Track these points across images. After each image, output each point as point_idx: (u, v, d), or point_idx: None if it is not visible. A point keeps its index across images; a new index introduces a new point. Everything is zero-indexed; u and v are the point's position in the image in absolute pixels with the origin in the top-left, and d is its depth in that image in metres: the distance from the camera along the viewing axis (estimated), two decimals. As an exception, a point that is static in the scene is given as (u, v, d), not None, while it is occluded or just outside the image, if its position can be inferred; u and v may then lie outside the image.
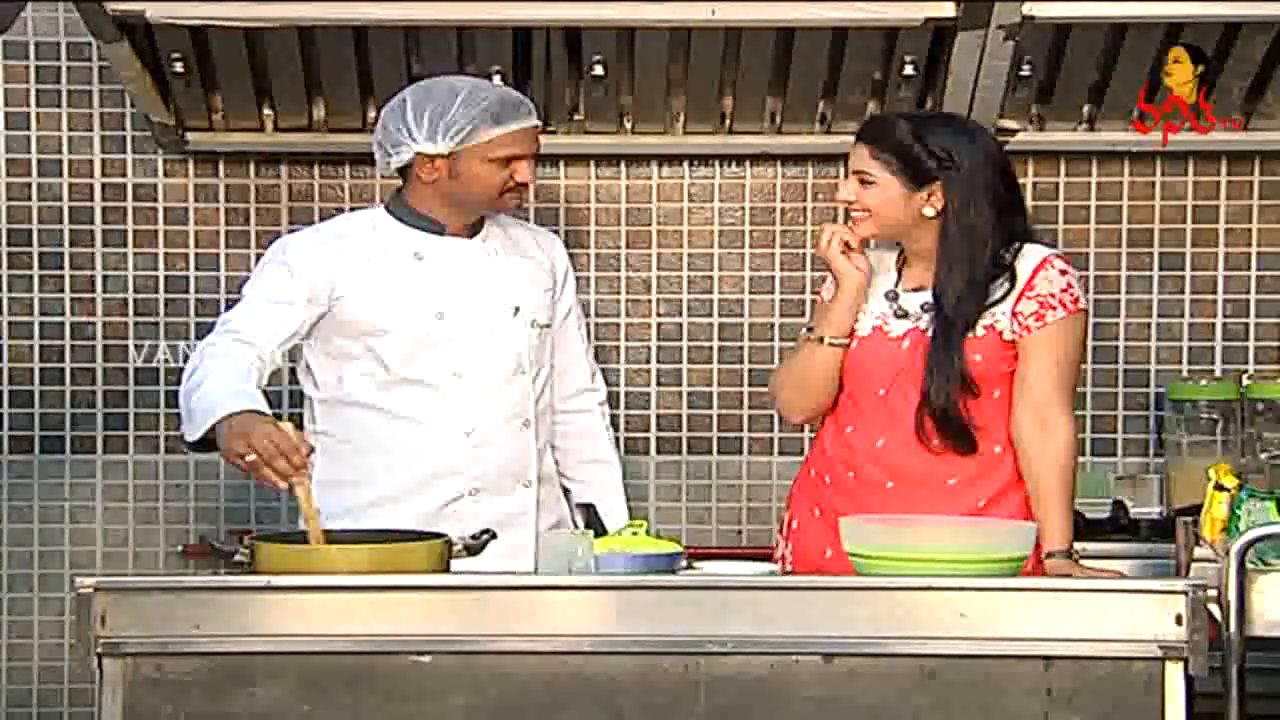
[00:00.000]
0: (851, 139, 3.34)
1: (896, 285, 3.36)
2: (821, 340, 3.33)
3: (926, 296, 3.29)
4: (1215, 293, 4.49)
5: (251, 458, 3.00)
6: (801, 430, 4.23)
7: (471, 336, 3.46)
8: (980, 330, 3.24)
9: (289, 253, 3.47)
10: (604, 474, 3.70)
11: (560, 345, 3.64)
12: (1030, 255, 3.27)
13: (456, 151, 3.39)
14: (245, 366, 3.28)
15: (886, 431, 3.29)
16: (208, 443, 3.13)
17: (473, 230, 3.53)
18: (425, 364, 3.43)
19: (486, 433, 3.46)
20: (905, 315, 3.31)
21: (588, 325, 3.86)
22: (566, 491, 3.67)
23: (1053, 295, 3.24)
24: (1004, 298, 3.24)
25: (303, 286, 3.40)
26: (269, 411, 3.10)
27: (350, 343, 3.44)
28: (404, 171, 3.48)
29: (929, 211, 3.26)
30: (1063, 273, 3.27)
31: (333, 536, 3.04)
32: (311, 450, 3.03)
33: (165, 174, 4.49)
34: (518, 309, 3.51)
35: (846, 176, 3.34)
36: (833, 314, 3.33)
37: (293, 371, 3.61)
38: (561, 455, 3.66)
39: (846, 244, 3.30)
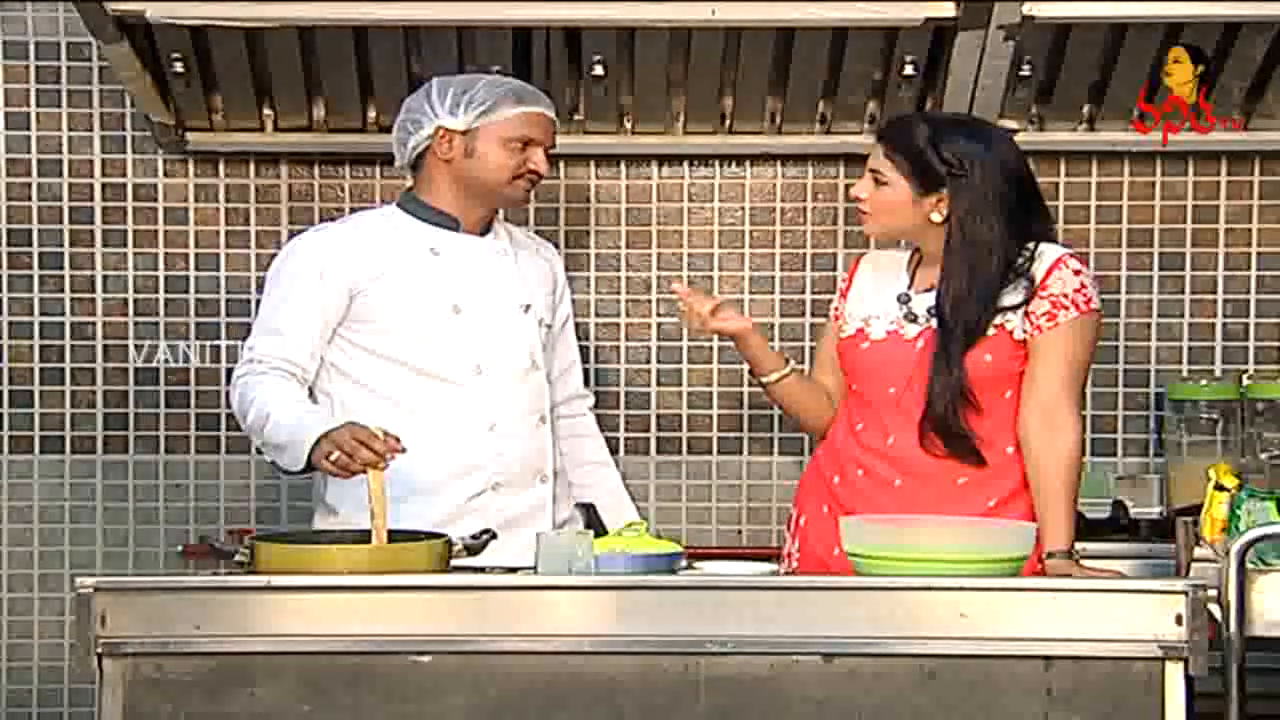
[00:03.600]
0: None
1: (909, 288, 3.35)
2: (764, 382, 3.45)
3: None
4: (1215, 293, 4.49)
5: (336, 455, 3.06)
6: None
7: (488, 332, 3.49)
8: (990, 330, 3.24)
9: (305, 260, 3.48)
10: (605, 476, 3.75)
11: (558, 351, 3.69)
12: (1046, 255, 3.26)
13: (474, 128, 3.44)
14: (299, 394, 3.38)
15: (897, 430, 3.29)
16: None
17: (484, 230, 3.56)
18: (445, 359, 3.46)
19: (508, 427, 3.49)
20: (916, 319, 3.31)
21: (585, 327, 3.86)
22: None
23: (1065, 295, 3.23)
24: (1021, 303, 3.23)
25: (323, 295, 3.43)
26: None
27: (369, 338, 3.46)
28: (418, 164, 3.52)
29: (935, 217, 3.26)
30: (1076, 273, 3.26)
31: (332, 536, 3.04)
32: (396, 441, 3.09)
33: (165, 174, 4.49)
34: (528, 306, 3.55)
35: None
36: (749, 357, 3.45)
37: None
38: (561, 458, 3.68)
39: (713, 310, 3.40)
